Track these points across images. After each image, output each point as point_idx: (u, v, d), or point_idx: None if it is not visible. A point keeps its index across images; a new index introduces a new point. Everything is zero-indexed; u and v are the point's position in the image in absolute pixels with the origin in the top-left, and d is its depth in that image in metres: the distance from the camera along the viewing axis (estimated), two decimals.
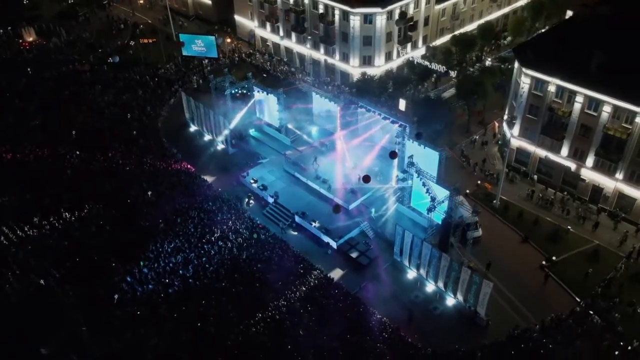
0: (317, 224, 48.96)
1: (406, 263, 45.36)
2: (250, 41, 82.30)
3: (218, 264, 44.51)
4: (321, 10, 68.33)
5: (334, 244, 47.97)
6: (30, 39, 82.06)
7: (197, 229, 47.59)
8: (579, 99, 48.88)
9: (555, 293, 43.76)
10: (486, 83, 60.73)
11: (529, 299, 42.73)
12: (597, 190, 51.55)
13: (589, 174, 51.41)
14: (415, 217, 49.66)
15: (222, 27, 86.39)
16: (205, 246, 45.89)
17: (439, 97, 65.88)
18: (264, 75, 73.25)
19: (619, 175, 49.30)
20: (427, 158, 47.10)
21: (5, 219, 48.23)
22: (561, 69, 48.98)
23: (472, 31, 73.87)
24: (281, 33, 76.01)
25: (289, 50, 77.22)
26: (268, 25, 77.29)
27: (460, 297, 41.92)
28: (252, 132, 62.94)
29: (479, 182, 55.19)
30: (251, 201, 53.33)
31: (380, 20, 65.19)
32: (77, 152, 57.05)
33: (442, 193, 44.69)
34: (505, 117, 58.53)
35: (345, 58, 69.69)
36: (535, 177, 55.41)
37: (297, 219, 50.43)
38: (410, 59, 68.66)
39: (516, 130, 54.74)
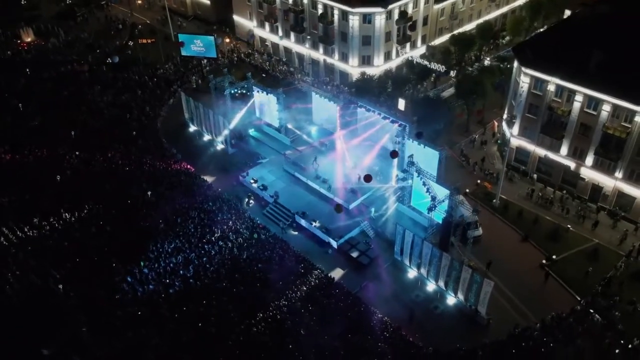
0: (317, 224, 48.97)
1: (407, 262, 45.40)
2: (249, 41, 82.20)
3: (219, 264, 44.45)
4: (320, 10, 68.30)
5: (334, 244, 47.99)
6: (29, 39, 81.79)
7: (197, 229, 47.52)
8: (579, 98, 48.97)
9: (555, 292, 43.84)
10: (485, 82, 60.76)
11: (529, 297, 42.79)
12: (596, 189, 51.65)
13: (589, 173, 51.51)
14: (415, 216, 49.71)
15: (221, 27, 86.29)
16: (205, 246, 45.82)
17: (438, 97, 65.76)
18: (263, 75, 73.23)
19: (619, 174, 49.41)
20: (427, 157, 47.18)
21: (5, 220, 48.07)
22: (561, 68, 49.07)
23: (471, 31, 74.05)
24: (280, 33, 75.94)
25: (288, 50, 77.17)
26: (267, 25, 77.22)
27: (461, 296, 41.96)
28: (251, 132, 62.89)
29: (478, 181, 55.24)
30: (251, 201, 53.30)
31: (380, 20, 65.20)
32: (77, 153, 56.93)
33: (442, 192, 44.77)
34: (505, 116, 58.61)
35: (344, 58, 69.66)
36: (535, 176, 55.46)
37: (297, 218, 50.42)
38: (410, 58, 68.69)
39: (516, 129, 54.80)
